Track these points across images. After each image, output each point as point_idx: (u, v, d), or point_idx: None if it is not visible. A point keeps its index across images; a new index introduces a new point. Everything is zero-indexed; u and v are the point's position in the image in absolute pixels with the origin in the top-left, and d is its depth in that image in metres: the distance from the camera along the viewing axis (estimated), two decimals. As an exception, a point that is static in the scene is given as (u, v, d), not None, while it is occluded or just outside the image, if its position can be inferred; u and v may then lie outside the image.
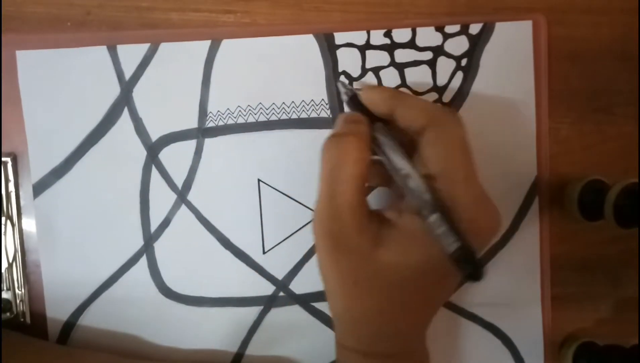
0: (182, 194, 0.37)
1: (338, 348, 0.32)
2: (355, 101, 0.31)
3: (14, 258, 0.36)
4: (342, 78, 0.36)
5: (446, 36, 0.36)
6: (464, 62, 0.36)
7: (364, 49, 0.36)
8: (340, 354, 0.31)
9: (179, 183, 0.37)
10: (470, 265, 0.24)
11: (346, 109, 0.36)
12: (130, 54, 0.36)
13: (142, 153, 0.36)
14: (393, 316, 0.29)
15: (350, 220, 0.27)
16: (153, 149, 0.36)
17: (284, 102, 0.36)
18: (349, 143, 0.28)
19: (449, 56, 0.36)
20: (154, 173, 0.36)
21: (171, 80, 0.36)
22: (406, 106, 0.29)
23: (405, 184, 0.27)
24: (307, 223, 0.37)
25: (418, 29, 0.36)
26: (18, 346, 0.33)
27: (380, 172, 0.30)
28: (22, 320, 0.37)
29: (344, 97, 0.33)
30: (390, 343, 0.30)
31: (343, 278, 0.28)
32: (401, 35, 0.36)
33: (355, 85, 0.36)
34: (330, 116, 0.36)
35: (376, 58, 0.36)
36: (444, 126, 0.28)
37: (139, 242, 0.37)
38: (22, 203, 0.36)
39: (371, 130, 0.29)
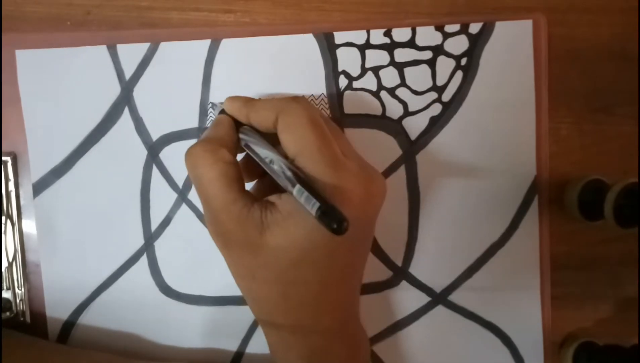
0: (182, 194, 0.37)
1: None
2: (222, 114, 0.33)
3: (14, 258, 0.36)
4: (212, 101, 0.36)
5: (446, 36, 0.36)
6: (463, 61, 0.36)
7: (363, 48, 0.36)
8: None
9: (180, 182, 0.37)
10: (333, 220, 0.24)
11: (347, 107, 0.36)
12: (131, 53, 0.36)
13: (142, 152, 0.36)
14: (298, 297, 0.29)
15: (227, 218, 0.28)
16: (154, 149, 0.36)
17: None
18: (199, 149, 0.29)
19: (448, 55, 0.36)
20: (155, 172, 0.36)
21: (171, 79, 0.36)
22: (256, 109, 0.31)
23: (271, 171, 0.29)
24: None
25: (418, 29, 0.36)
26: (18, 345, 0.33)
27: (256, 167, 0.31)
28: (22, 319, 0.37)
29: (217, 113, 0.34)
30: (310, 328, 0.30)
31: (242, 272, 0.30)
32: (401, 34, 0.36)
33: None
34: (330, 115, 0.36)
35: (376, 57, 0.36)
36: (290, 111, 0.29)
37: (139, 241, 0.37)
38: (22, 202, 0.36)
39: (234, 131, 0.31)
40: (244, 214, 0.28)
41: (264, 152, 0.30)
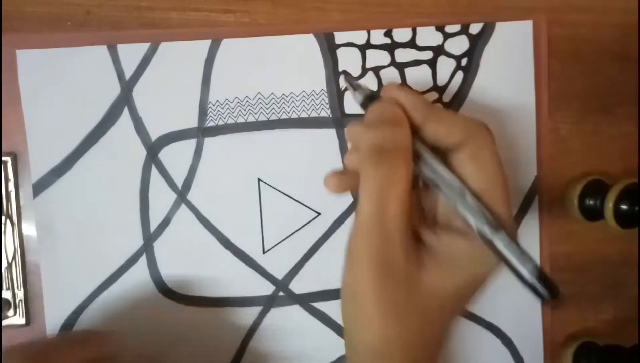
0: (182, 194, 0.37)
1: None
2: (371, 102, 0.28)
3: (14, 258, 0.36)
4: (346, 72, 0.34)
5: (446, 36, 0.36)
6: (464, 61, 0.36)
7: (364, 48, 0.36)
8: None
9: (179, 183, 0.37)
10: (548, 285, 0.23)
11: (347, 107, 0.36)
12: (131, 53, 0.36)
13: (142, 153, 0.36)
14: (429, 341, 0.27)
15: (399, 245, 0.25)
16: (153, 149, 0.36)
17: (284, 102, 0.36)
18: (399, 158, 0.25)
19: (449, 55, 0.36)
20: (154, 172, 0.36)
21: (171, 79, 0.36)
22: (439, 119, 0.26)
23: (455, 201, 0.25)
24: (306, 223, 0.37)
25: (418, 29, 0.36)
26: None
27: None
28: (21, 319, 0.37)
29: (357, 98, 0.29)
30: (417, 358, 0.28)
31: (386, 306, 0.25)
32: (401, 34, 0.36)
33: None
34: (330, 115, 0.36)
35: (376, 58, 0.36)
36: (484, 141, 0.26)
37: (138, 242, 0.37)
38: (22, 202, 0.36)
39: (412, 138, 0.26)
40: (411, 244, 0.26)
41: (450, 177, 0.26)
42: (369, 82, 0.36)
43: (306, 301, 0.37)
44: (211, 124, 0.36)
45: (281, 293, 0.37)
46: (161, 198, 0.37)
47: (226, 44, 0.36)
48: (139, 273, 0.37)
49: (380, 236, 0.25)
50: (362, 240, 0.25)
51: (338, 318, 0.37)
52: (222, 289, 0.37)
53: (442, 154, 0.27)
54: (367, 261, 0.25)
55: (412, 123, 0.27)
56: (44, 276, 0.36)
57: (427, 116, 0.26)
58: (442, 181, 0.26)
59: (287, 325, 0.37)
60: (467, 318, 0.38)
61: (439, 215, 0.28)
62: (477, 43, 0.36)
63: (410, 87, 0.29)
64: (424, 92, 0.36)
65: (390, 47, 0.36)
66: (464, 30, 0.36)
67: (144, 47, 0.36)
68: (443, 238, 0.26)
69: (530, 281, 0.23)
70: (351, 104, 0.36)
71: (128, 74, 0.36)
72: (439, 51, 0.36)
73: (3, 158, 0.36)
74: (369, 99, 0.28)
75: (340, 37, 0.36)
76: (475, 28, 0.36)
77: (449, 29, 0.36)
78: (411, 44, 0.36)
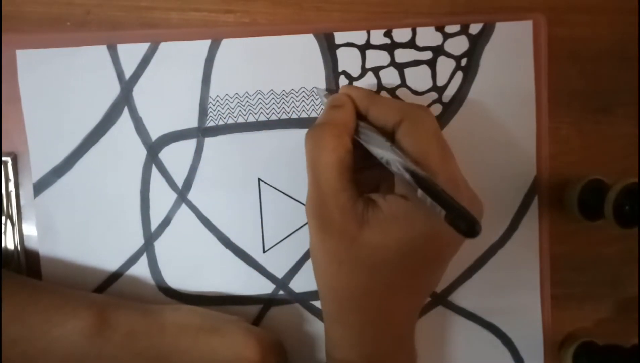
0: (182, 194, 0.37)
1: (328, 360, 0.32)
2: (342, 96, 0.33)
3: (14, 258, 0.36)
4: (316, 87, 0.36)
5: (446, 36, 0.36)
6: (464, 62, 0.36)
7: (364, 48, 0.36)
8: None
9: (179, 182, 0.37)
10: (465, 221, 0.24)
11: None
12: (130, 53, 0.36)
13: (142, 152, 0.36)
14: (379, 298, 0.30)
15: (334, 205, 0.29)
16: (153, 149, 0.36)
17: (284, 102, 0.36)
18: (326, 131, 0.30)
19: (449, 55, 0.36)
20: (154, 172, 0.36)
21: (171, 79, 0.36)
22: (379, 105, 0.31)
23: (390, 168, 0.29)
24: (306, 222, 0.37)
25: (418, 29, 0.36)
26: (13, 286, 0.33)
27: (366, 156, 0.31)
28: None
29: (323, 100, 0.34)
30: (380, 331, 0.30)
31: (330, 258, 0.30)
32: (401, 35, 0.36)
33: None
34: (330, 115, 0.36)
35: (376, 58, 0.36)
36: (418, 118, 0.30)
37: (139, 241, 0.37)
38: (22, 202, 0.36)
39: (354, 116, 0.31)
40: (349, 204, 0.29)
41: (385, 153, 0.29)
42: (369, 83, 0.36)
43: (306, 300, 0.37)
44: (211, 124, 0.36)
45: (281, 292, 0.37)
46: (162, 197, 0.37)
47: (226, 44, 0.36)
48: (140, 272, 0.37)
49: (316, 198, 0.30)
50: (307, 201, 0.31)
51: (338, 318, 0.37)
52: (223, 288, 0.37)
53: (390, 135, 0.30)
54: (310, 218, 0.30)
55: (359, 111, 0.32)
56: (45, 276, 0.36)
57: (369, 103, 0.31)
58: (375, 152, 0.30)
59: (287, 323, 0.37)
60: (467, 318, 0.38)
61: (389, 184, 0.32)
62: (477, 43, 0.36)
63: (366, 90, 0.33)
64: (423, 93, 0.36)
65: (390, 48, 0.36)
66: (464, 30, 0.36)
67: (144, 47, 0.36)
68: (388, 198, 0.29)
69: (448, 221, 0.25)
70: (351, 104, 0.36)
71: (128, 74, 0.36)
72: (438, 51, 0.36)
73: (3, 158, 0.36)
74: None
75: (340, 37, 0.36)
76: (475, 28, 0.36)
77: (449, 29, 0.36)
78: (411, 44, 0.36)
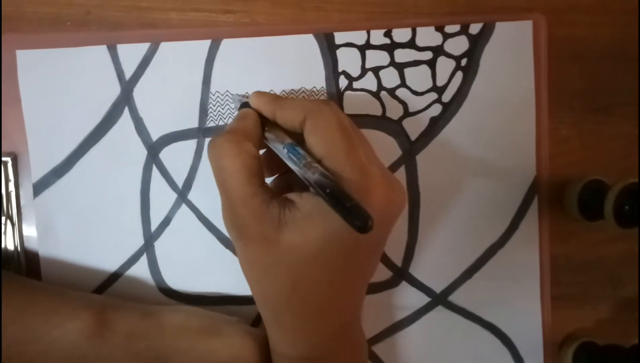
0: (182, 194, 0.37)
1: (272, 355, 0.32)
2: (246, 108, 0.33)
3: (14, 258, 0.36)
4: (231, 92, 0.36)
5: (446, 36, 0.36)
6: (463, 62, 0.36)
7: (363, 48, 0.36)
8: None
9: (180, 182, 0.37)
10: (357, 218, 0.25)
11: (347, 107, 0.36)
12: (131, 53, 0.36)
13: (142, 153, 0.36)
14: (307, 296, 0.30)
15: (246, 212, 0.29)
16: (153, 149, 0.36)
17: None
18: (225, 138, 0.29)
19: (449, 55, 0.36)
20: (155, 172, 0.36)
21: (171, 79, 0.36)
22: (284, 108, 0.31)
23: (296, 169, 0.29)
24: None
25: (418, 29, 0.36)
26: (13, 287, 0.33)
27: (276, 163, 0.32)
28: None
29: (237, 105, 0.34)
30: (315, 327, 0.30)
31: (253, 264, 0.30)
32: (401, 35, 0.36)
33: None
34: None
35: (376, 58, 0.36)
36: (319, 114, 0.29)
37: (139, 241, 0.37)
38: (22, 202, 0.36)
39: (259, 126, 0.31)
40: (262, 209, 0.29)
41: (283, 157, 0.30)
42: (369, 83, 0.36)
43: (306, 301, 0.37)
44: (212, 124, 0.36)
45: (281, 293, 0.37)
46: (162, 197, 0.37)
47: (226, 44, 0.36)
48: (140, 272, 0.37)
49: (227, 207, 0.30)
50: (221, 211, 0.30)
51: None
52: (223, 288, 0.37)
53: (301, 137, 0.30)
54: (227, 229, 0.30)
55: (267, 116, 0.32)
56: (44, 277, 0.36)
57: (275, 107, 0.31)
58: (279, 152, 0.30)
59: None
60: (467, 318, 0.38)
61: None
62: (477, 43, 0.36)
63: (271, 95, 0.33)
64: (423, 93, 0.36)
65: (390, 48, 0.36)
66: (464, 30, 0.36)
67: (144, 47, 0.36)
68: (303, 196, 0.29)
69: (341, 215, 0.25)
70: (351, 104, 0.36)
71: (128, 74, 0.36)
72: (438, 51, 0.36)
73: (3, 158, 0.36)
74: (244, 105, 0.33)
75: (340, 37, 0.36)
76: (474, 28, 0.36)
77: (449, 29, 0.36)
78: (411, 44, 0.36)
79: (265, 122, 0.32)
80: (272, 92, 0.36)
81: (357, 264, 0.31)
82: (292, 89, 0.36)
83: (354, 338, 0.33)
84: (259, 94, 0.32)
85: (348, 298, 0.32)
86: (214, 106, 0.36)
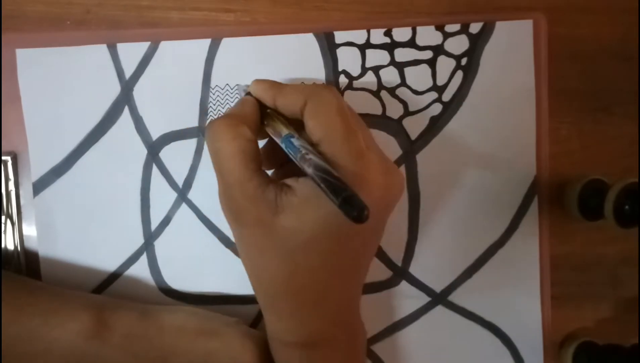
0: (182, 193, 0.37)
1: (269, 342, 0.32)
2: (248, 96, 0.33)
3: (14, 258, 0.36)
4: (239, 84, 0.36)
5: (446, 35, 0.36)
6: (464, 61, 0.36)
7: (364, 48, 0.36)
8: (275, 352, 0.32)
9: (180, 182, 0.37)
10: (353, 208, 0.24)
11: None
12: (131, 52, 0.36)
13: (142, 152, 0.36)
14: (303, 281, 0.30)
15: (242, 195, 0.29)
16: (153, 148, 0.36)
17: (284, 101, 0.36)
18: (221, 122, 0.29)
19: (449, 55, 0.36)
20: (155, 171, 0.36)
21: (172, 79, 0.36)
22: (284, 93, 0.31)
23: (293, 155, 0.29)
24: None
25: (418, 28, 0.36)
26: (12, 287, 0.33)
27: (277, 154, 0.32)
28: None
29: (242, 95, 0.34)
30: (311, 313, 0.30)
31: (250, 248, 0.30)
32: (401, 34, 0.36)
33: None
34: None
35: (376, 57, 0.36)
36: (319, 98, 0.29)
37: (139, 240, 0.37)
38: (22, 201, 0.36)
39: (258, 111, 0.31)
40: (258, 193, 0.29)
41: (281, 145, 0.29)
42: (369, 82, 0.36)
43: (306, 300, 0.37)
44: (211, 123, 0.36)
45: (281, 293, 0.37)
46: (162, 197, 0.37)
47: (226, 43, 0.36)
48: (140, 272, 0.37)
49: (223, 190, 0.30)
50: (218, 196, 0.30)
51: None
52: (223, 288, 0.37)
53: (302, 124, 0.30)
54: (224, 213, 0.30)
55: (269, 104, 0.31)
56: (44, 276, 0.36)
57: (275, 93, 0.31)
58: (275, 136, 0.30)
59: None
60: (467, 318, 0.38)
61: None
62: (477, 43, 0.36)
63: (271, 81, 0.32)
64: (423, 92, 0.36)
65: (390, 47, 0.36)
66: (464, 29, 0.36)
67: (144, 46, 0.36)
68: (300, 181, 0.29)
69: (336, 204, 0.25)
70: (351, 103, 0.36)
71: (128, 73, 0.36)
72: (438, 50, 0.36)
73: (3, 158, 0.36)
74: (248, 95, 0.33)
75: (340, 36, 0.36)
76: (475, 28, 0.36)
77: (449, 28, 0.36)
78: (411, 43, 0.36)
79: (265, 114, 0.31)
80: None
81: (354, 250, 0.30)
82: (292, 89, 0.36)
83: (351, 325, 0.33)
84: (259, 81, 0.32)
85: (345, 284, 0.31)
86: (214, 102, 0.36)
